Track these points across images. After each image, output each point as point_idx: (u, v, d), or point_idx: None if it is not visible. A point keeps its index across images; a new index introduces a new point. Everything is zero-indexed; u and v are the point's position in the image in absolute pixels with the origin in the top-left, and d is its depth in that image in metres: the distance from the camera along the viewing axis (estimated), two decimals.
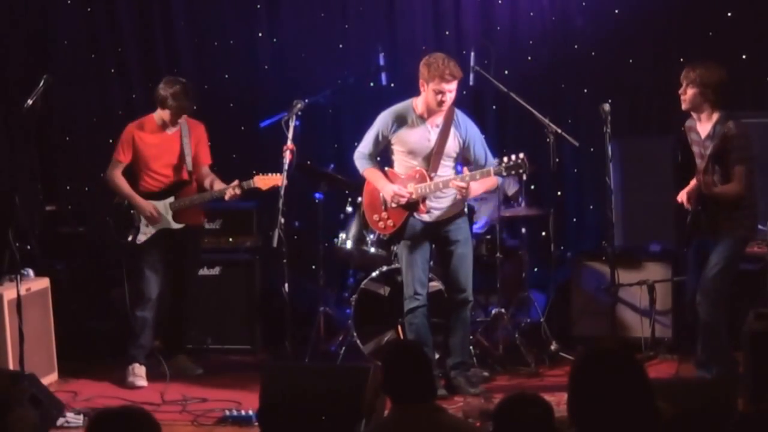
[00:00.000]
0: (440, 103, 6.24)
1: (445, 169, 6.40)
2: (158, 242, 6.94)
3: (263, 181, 6.78)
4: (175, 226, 6.93)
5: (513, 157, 6.09)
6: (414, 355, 4.28)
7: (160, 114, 6.92)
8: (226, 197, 6.82)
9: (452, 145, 6.38)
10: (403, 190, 6.35)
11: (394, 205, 6.40)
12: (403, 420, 4.07)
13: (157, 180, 6.95)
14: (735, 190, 5.99)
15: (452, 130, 6.37)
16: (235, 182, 6.80)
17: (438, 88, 6.19)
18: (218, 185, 6.91)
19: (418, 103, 6.38)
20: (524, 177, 6.24)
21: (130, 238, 6.94)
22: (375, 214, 6.53)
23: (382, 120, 6.45)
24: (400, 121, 6.39)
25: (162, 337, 7.21)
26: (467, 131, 6.41)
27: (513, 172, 6.12)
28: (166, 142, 6.95)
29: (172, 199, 6.93)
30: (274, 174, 6.75)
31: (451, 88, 6.22)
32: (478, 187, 6.32)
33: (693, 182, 6.25)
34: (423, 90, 6.29)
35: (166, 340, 7.20)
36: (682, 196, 6.25)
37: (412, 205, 6.38)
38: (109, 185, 7.02)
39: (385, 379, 4.20)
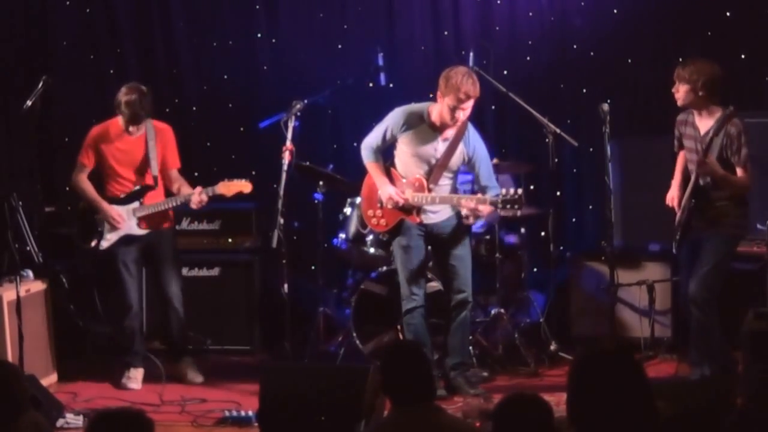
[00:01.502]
0: (453, 119, 6.22)
1: (445, 180, 6.39)
2: (124, 248, 6.84)
3: (227, 188, 6.70)
4: (139, 232, 6.83)
5: (511, 191, 6.11)
6: (413, 355, 4.28)
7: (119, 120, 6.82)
8: (192, 204, 6.73)
9: (456, 160, 6.37)
10: (400, 195, 6.34)
11: (389, 206, 6.40)
12: (403, 421, 4.07)
13: (122, 184, 6.84)
14: (744, 183, 6.06)
15: (461, 145, 6.35)
16: (198, 188, 6.73)
17: (452, 105, 6.16)
18: (185, 190, 6.84)
19: (433, 111, 6.33)
20: (518, 214, 6.21)
21: (93, 244, 6.83)
22: (370, 209, 6.54)
23: (394, 118, 6.42)
24: (412, 124, 6.36)
25: (166, 343, 7.12)
26: (475, 150, 6.38)
27: (508, 206, 6.12)
28: (130, 145, 6.83)
29: (137, 204, 6.82)
30: (239, 180, 6.71)
31: (465, 107, 6.19)
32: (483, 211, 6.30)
33: (676, 183, 6.27)
34: (439, 101, 6.26)
35: (169, 346, 7.10)
36: (671, 200, 6.27)
37: (406, 210, 6.38)
38: (75, 189, 6.93)
39: (385, 379, 4.19)
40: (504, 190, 6.15)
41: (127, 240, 6.84)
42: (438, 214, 6.43)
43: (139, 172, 6.86)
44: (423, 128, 6.34)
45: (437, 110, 6.29)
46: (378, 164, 6.49)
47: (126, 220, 6.80)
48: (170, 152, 6.95)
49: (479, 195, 6.27)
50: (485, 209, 6.21)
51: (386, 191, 6.37)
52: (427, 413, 4.07)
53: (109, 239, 6.82)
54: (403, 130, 6.38)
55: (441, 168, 6.35)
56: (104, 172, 6.87)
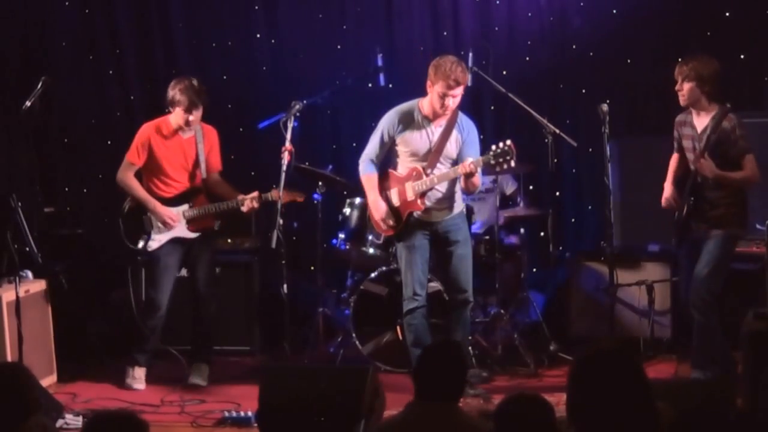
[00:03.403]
0: (443, 107, 6.24)
1: (443, 169, 6.39)
2: (171, 250, 6.80)
3: (283, 195, 6.58)
4: (189, 235, 6.80)
5: (500, 144, 6.13)
6: (456, 354, 4.25)
7: (175, 117, 6.73)
8: (244, 209, 6.69)
9: (452, 147, 6.38)
10: (387, 221, 6.37)
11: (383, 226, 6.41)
12: (423, 416, 4.05)
13: (169, 185, 6.79)
14: (747, 176, 6.07)
15: (455, 132, 6.37)
16: (255, 194, 6.65)
17: (442, 92, 6.19)
18: (229, 193, 6.78)
19: (424, 104, 6.37)
20: (512, 164, 6.19)
21: (141, 245, 6.76)
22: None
23: (388, 119, 6.44)
24: (406, 121, 6.38)
25: (190, 343, 7.05)
26: (468, 134, 6.41)
27: (501, 160, 6.14)
28: (182, 146, 6.78)
29: (186, 206, 6.79)
30: (294, 191, 6.64)
31: (455, 94, 6.21)
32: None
33: (668, 184, 6.26)
34: (429, 91, 6.29)
35: (192, 346, 7.03)
36: (667, 200, 6.26)
37: (409, 204, 6.37)
38: (123, 188, 6.82)
39: (420, 371, 4.14)
40: (494, 146, 6.16)
41: (175, 242, 6.80)
42: (440, 211, 6.42)
43: (187, 174, 6.81)
44: (417, 123, 6.37)
45: (428, 101, 6.33)
46: (371, 176, 6.49)
47: (178, 222, 6.78)
48: (214, 154, 6.88)
49: (471, 159, 6.24)
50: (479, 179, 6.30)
51: (377, 209, 6.40)
52: (447, 411, 4.05)
53: (158, 240, 6.77)
54: (399, 130, 6.39)
55: (437, 153, 6.36)
56: (151, 171, 6.79)
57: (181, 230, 6.80)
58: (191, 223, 6.81)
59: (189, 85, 6.68)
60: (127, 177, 6.79)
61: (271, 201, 6.61)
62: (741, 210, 6.15)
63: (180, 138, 6.79)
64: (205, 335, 7.01)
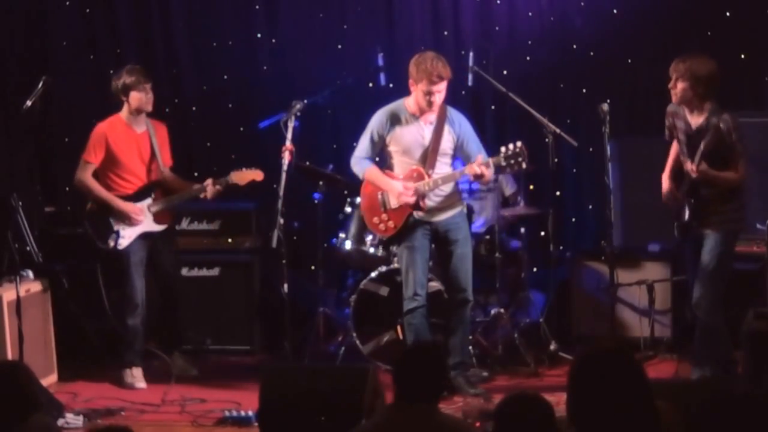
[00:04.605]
0: (429, 104, 6.25)
1: (443, 166, 6.39)
2: (140, 246, 6.81)
3: (240, 177, 6.76)
4: (156, 228, 6.83)
5: (510, 146, 6.10)
6: (433, 355, 4.26)
7: (126, 111, 6.77)
8: (208, 196, 6.77)
9: (447, 143, 6.38)
10: (408, 191, 6.31)
11: (398, 203, 6.35)
12: (399, 418, 4.06)
13: (129, 181, 6.80)
14: (736, 179, 6.05)
15: (446, 126, 6.37)
16: (210, 180, 6.76)
17: (426, 89, 6.20)
18: (183, 186, 6.88)
19: (409, 102, 6.38)
20: (524, 166, 6.15)
21: (111, 245, 6.76)
22: (375, 216, 6.50)
23: (377, 120, 6.44)
24: (394, 120, 6.38)
25: (158, 338, 7.10)
26: (461, 127, 6.42)
27: (512, 161, 6.11)
28: (137, 141, 6.81)
29: (149, 200, 6.81)
30: (250, 169, 6.77)
31: (439, 89, 6.21)
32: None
33: (666, 176, 6.23)
34: (413, 90, 6.30)
35: (162, 341, 7.08)
36: (667, 196, 6.25)
37: (411, 204, 6.36)
38: (83, 189, 6.82)
39: (399, 372, 4.15)
40: (504, 148, 6.13)
41: (143, 237, 6.81)
42: (441, 210, 6.42)
43: (145, 168, 6.84)
44: (405, 121, 6.37)
45: (413, 100, 6.34)
46: (374, 168, 6.48)
47: (143, 216, 6.79)
48: (165, 149, 6.94)
49: (481, 158, 6.21)
50: (491, 172, 6.23)
51: (396, 188, 6.33)
52: (424, 412, 4.06)
53: (128, 237, 6.78)
54: (388, 130, 6.39)
55: (434, 153, 6.35)
56: (109, 169, 6.79)
57: (149, 225, 6.82)
58: (156, 216, 6.83)
59: (130, 67, 6.79)
60: (86, 178, 6.78)
61: (230, 185, 6.75)
62: (737, 205, 6.14)
63: (134, 133, 6.81)
64: (178, 319, 7.06)
